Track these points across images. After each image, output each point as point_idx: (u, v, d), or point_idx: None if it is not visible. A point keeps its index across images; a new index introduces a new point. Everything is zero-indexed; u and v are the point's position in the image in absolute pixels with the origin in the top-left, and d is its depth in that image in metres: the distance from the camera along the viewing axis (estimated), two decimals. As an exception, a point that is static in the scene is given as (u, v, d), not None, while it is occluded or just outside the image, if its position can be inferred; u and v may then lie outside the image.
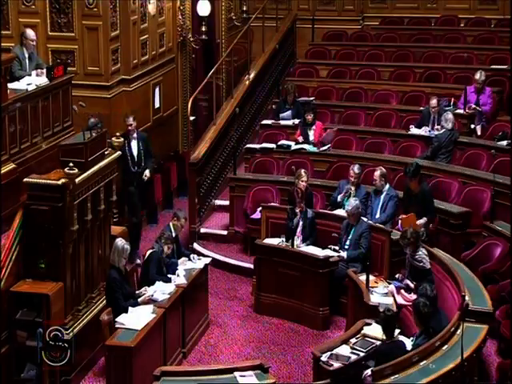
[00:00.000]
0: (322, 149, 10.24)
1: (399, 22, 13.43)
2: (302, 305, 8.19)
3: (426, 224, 8.39)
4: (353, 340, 6.60)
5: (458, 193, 9.08)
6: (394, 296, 7.41)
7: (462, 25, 13.11)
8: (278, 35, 12.72)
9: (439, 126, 9.95)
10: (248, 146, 10.84)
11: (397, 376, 5.87)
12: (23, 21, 9.36)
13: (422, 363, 6.03)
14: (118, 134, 8.13)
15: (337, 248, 8.28)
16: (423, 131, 10.24)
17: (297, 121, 10.82)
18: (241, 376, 6.17)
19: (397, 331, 6.65)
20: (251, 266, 8.78)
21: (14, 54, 8.29)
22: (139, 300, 7.21)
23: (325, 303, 8.11)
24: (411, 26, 13.24)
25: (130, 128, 9.29)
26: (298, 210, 8.50)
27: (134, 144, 9.31)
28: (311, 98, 11.53)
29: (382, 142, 10.39)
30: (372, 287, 7.52)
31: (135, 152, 9.29)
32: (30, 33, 8.60)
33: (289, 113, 11.09)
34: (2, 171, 7.45)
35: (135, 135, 9.33)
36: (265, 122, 11.26)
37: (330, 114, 11.33)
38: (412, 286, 7.39)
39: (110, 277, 7.17)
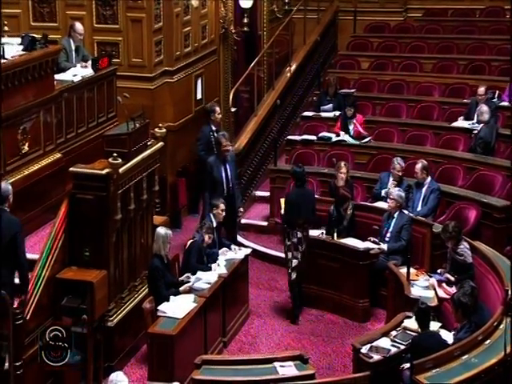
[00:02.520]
0: (362, 141, 10.20)
1: (443, 14, 13.26)
2: (341, 296, 8.19)
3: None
4: (393, 333, 6.59)
5: (501, 186, 8.96)
6: (435, 289, 7.37)
7: (507, 16, 12.89)
8: (320, 27, 12.69)
9: (476, 122, 9.76)
10: (289, 137, 10.84)
11: (438, 369, 5.82)
12: (70, 13, 9.50)
13: (463, 357, 5.96)
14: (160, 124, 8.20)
15: (377, 240, 8.27)
16: (467, 123, 10.11)
17: (338, 113, 10.78)
18: (281, 366, 6.20)
19: (438, 325, 6.63)
20: (291, 258, 8.80)
21: (61, 45, 8.44)
22: (180, 289, 7.28)
23: (365, 295, 8.10)
24: (455, 18, 13.08)
25: (219, 118, 9.65)
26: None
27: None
28: (352, 90, 11.45)
29: (423, 134, 10.30)
30: (413, 280, 7.48)
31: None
32: (79, 27, 8.76)
33: (330, 105, 11.05)
34: (48, 161, 7.64)
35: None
36: (306, 113, 11.24)
37: (372, 106, 11.25)
38: (453, 279, 7.33)
39: (152, 265, 7.26)
